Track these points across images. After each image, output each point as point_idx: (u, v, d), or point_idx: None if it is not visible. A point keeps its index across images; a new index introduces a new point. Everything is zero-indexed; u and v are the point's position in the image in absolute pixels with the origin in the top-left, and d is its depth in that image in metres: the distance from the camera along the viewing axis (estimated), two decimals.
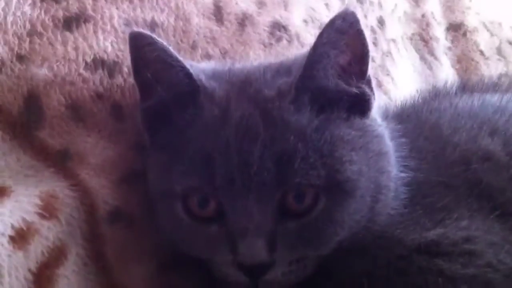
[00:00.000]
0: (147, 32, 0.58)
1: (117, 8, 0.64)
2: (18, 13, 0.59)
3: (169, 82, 0.57)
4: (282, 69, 0.60)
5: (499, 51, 1.22)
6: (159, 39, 0.57)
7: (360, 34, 0.56)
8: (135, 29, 0.62)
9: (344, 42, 0.55)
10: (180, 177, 0.55)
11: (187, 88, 0.57)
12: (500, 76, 0.91)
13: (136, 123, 0.63)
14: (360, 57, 0.57)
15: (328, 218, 0.54)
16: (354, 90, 0.57)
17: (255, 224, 0.53)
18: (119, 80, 0.64)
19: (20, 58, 0.59)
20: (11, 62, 0.58)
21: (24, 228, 0.53)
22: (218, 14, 0.71)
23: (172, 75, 0.57)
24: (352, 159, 0.55)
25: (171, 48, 0.57)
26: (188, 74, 0.57)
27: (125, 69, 0.64)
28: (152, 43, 0.57)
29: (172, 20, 0.67)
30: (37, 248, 0.54)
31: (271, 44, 0.75)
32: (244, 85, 0.58)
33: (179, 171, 0.55)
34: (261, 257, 0.52)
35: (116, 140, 0.62)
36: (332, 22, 0.55)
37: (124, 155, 0.62)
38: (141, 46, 0.57)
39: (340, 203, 0.54)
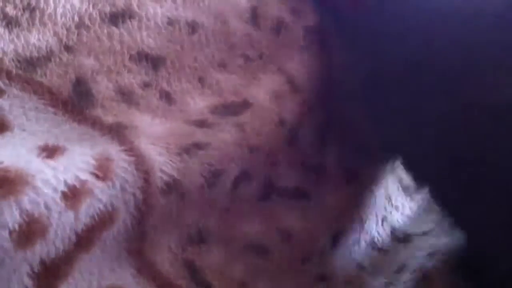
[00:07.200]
0: None
1: (160, 7, 0.66)
2: (68, 6, 0.61)
3: None
4: None
5: None
6: None
7: None
8: None
9: None
10: None
11: None
12: None
13: (188, 104, 0.62)
14: None
15: None
16: None
17: None
18: (163, 72, 0.64)
19: (68, 48, 0.59)
20: (60, 51, 0.59)
21: (78, 186, 0.49)
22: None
23: None
24: None
25: None
26: None
27: (169, 63, 0.64)
28: None
29: (211, 21, 0.69)
30: (89, 210, 0.49)
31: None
32: None
33: None
34: None
35: (173, 118, 0.61)
36: None
37: (184, 128, 0.61)
38: None
39: None
